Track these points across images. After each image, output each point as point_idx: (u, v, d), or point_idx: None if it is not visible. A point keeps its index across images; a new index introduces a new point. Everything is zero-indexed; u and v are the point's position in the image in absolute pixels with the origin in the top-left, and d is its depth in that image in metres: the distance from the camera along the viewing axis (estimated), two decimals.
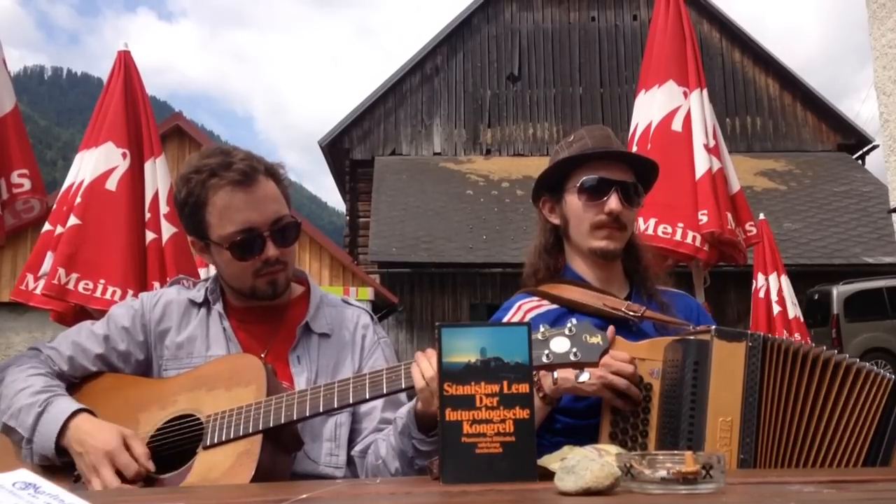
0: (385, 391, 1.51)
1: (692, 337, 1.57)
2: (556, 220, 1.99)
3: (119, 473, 1.53)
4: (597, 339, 1.38)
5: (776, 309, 6.40)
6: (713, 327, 1.55)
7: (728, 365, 1.50)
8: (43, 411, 1.60)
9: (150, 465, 1.56)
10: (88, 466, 1.56)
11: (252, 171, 1.68)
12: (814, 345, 1.60)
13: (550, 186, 1.99)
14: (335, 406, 1.53)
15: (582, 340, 1.38)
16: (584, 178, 1.89)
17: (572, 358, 1.37)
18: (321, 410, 1.53)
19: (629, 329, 1.80)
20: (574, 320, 1.42)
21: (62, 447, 1.60)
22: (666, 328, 1.82)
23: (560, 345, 1.38)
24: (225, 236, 1.68)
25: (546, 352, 1.37)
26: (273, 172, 1.74)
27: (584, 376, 1.41)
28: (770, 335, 1.55)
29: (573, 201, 1.92)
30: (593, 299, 1.85)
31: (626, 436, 1.62)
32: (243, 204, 1.67)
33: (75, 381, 1.76)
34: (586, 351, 1.37)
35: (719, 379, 1.49)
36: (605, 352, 1.39)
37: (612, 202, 1.86)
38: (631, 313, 1.81)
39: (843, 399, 1.53)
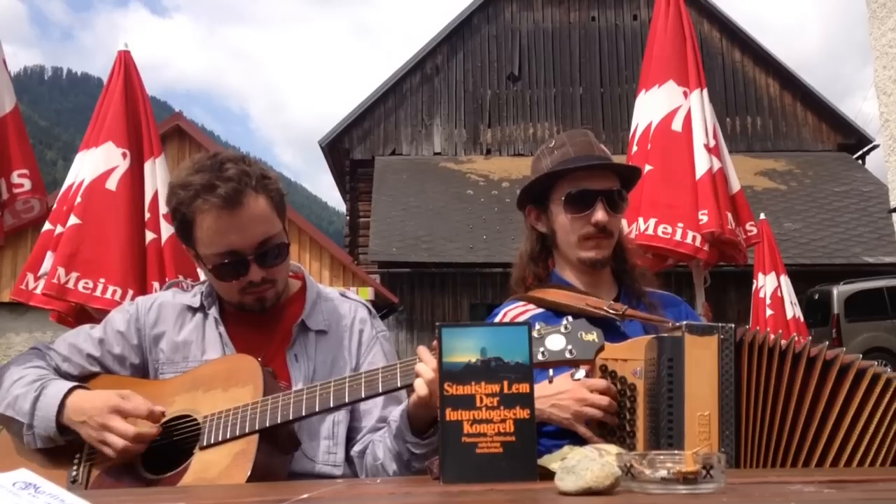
0: (381, 390, 1.51)
1: (666, 334, 1.57)
2: (542, 229, 2.01)
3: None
4: (592, 337, 1.38)
5: (776, 309, 6.40)
6: (685, 322, 1.54)
7: (701, 359, 1.48)
8: (39, 395, 1.63)
9: (158, 406, 1.58)
10: (96, 427, 1.56)
11: (237, 193, 1.62)
12: (801, 340, 1.56)
13: (535, 197, 2.00)
14: (331, 405, 1.53)
15: (577, 338, 1.38)
16: (568, 190, 1.90)
17: (568, 355, 1.37)
18: (317, 410, 1.53)
19: (616, 330, 1.80)
20: (570, 318, 1.41)
21: (63, 425, 1.61)
22: (654, 327, 1.82)
23: (556, 342, 1.38)
24: (209, 256, 1.68)
25: (542, 349, 1.37)
26: (265, 185, 1.68)
27: (580, 373, 1.41)
28: (744, 328, 1.53)
29: (559, 213, 1.93)
30: (576, 300, 1.85)
31: (614, 437, 1.62)
32: (226, 228, 1.64)
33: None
34: (582, 348, 1.37)
35: (693, 374, 1.48)
36: (601, 349, 1.39)
37: (599, 213, 1.87)
38: (612, 312, 1.81)
39: (829, 395, 1.48)
